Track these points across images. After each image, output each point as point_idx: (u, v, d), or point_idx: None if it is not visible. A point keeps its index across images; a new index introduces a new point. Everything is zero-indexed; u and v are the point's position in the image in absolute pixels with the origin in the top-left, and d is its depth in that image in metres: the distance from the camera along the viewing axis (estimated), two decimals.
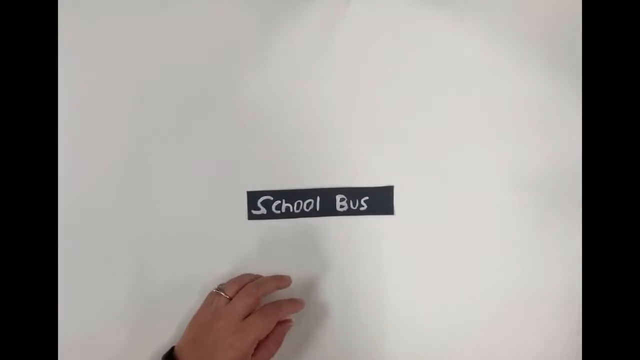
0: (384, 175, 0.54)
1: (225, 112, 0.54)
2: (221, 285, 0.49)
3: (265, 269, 0.51)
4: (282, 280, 0.50)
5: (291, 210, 0.53)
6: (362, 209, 0.53)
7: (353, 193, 0.53)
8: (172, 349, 0.45)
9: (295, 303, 0.49)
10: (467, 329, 0.53)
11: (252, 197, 0.53)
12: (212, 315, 0.45)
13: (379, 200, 0.53)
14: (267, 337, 0.46)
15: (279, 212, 0.53)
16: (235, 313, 0.45)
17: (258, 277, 0.50)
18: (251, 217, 0.53)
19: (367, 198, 0.53)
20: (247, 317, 0.45)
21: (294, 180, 0.53)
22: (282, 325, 0.49)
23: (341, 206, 0.53)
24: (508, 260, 0.53)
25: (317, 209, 0.53)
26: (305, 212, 0.53)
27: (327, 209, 0.53)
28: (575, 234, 0.51)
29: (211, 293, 0.48)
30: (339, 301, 0.53)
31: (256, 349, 0.45)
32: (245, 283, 0.48)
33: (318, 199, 0.53)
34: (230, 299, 0.46)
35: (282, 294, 0.51)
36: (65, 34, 0.50)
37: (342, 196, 0.53)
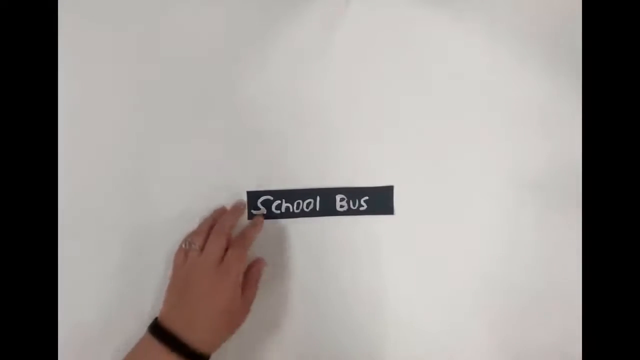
0: (384, 175, 0.54)
1: (225, 112, 0.54)
2: (187, 239, 0.47)
3: (265, 269, 0.51)
4: (237, 210, 0.51)
5: (291, 210, 0.53)
6: (362, 208, 0.53)
7: (353, 193, 0.53)
8: (156, 319, 0.44)
9: (255, 222, 0.50)
10: (467, 329, 0.53)
11: (252, 197, 0.53)
12: (188, 271, 0.45)
13: (379, 200, 0.53)
14: (245, 278, 0.46)
15: (278, 212, 0.53)
16: (210, 258, 0.44)
17: (215, 219, 0.49)
18: (251, 217, 0.53)
19: (367, 198, 0.53)
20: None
21: (293, 180, 0.53)
22: (256, 264, 0.49)
23: (341, 206, 0.53)
24: (508, 260, 0.53)
25: (317, 209, 0.53)
26: (305, 212, 0.53)
27: (327, 209, 0.53)
28: (575, 234, 0.51)
29: (180, 250, 0.47)
30: (338, 301, 0.53)
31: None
32: (208, 229, 0.47)
33: (318, 198, 0.53)
34: (202, 249, 0.46)
35: (281, 292, 0.51)
36: (65, 34, 0.49)
37: (342, 196, 0.53)
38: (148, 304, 0.51)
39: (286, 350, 0.50)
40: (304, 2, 0.54)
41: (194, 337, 0.42)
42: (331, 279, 0.53)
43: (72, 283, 0.50)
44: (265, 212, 0.53)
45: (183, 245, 0.47)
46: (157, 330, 0.43)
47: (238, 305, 0.45)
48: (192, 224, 0.51)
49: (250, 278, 0.48)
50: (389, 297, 0.53)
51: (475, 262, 0.53)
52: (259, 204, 0.53)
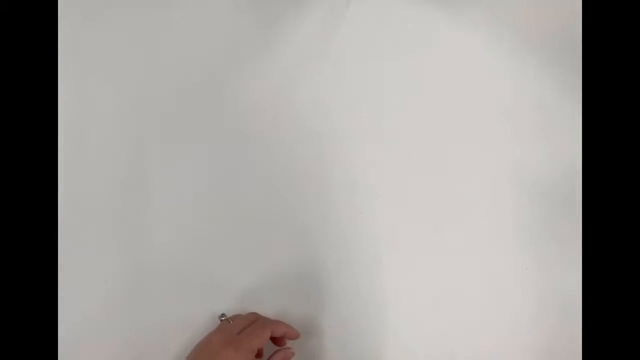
0: (383, 175, 0.54)
1: (225, 112, 0.54)
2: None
3: (266, 268, 0.51)
4: (291, 330, 0.49)
5: None
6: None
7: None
8: None
9: (291, 328, 0.48)
10: (467, 329, 0.53)
11: None
12: (212, 333, 0.46)
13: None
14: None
15: None
16: (232, 328, 0.45)
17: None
18: None
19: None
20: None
21: (293, 180, 0.53)
22: (283, 351, 0.48)
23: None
24: (508, 260, 0.53)
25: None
26: None
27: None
28: (575, 234, 0.51)
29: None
30: (337, 302, 0.53)
31: None
32: (254, 319, 0.48)
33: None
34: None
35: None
36: (65, 34, 0.50)
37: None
38: (148, 304, 0.51)
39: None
40: (304, 2, 0.54)
41: None
42: (329, 279, 0.53)
43: (72, 283, 0.50)
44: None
45: (219, 318, 0.48)
46: None
47: None
48: (193, 223, 0.51)
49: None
50: (389, 297, 0.52)
51: (475, 262, 0.53)
52: None
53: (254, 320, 0.47)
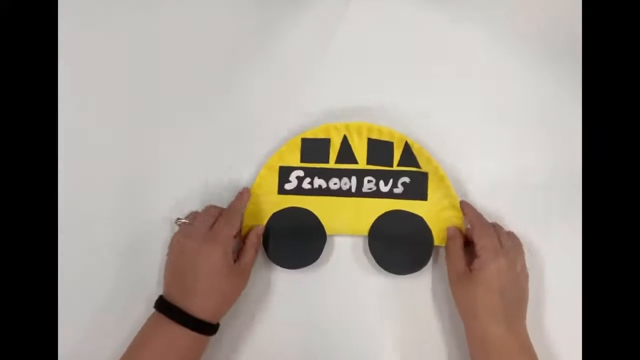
0: None
1: (225, 111, 0.54)
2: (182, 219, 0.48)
3: (267, 266, 0.51)
4: (241, 197, 0.49)
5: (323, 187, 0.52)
6: (396, 190, 0.52)
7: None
8: (160, 296, 0.45)
9: (241, 193, 0.49)
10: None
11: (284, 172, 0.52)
12: (178, 242, 0.46)
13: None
14: (244, 242, 0.48)
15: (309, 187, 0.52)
16: (199, 227, 0.46)
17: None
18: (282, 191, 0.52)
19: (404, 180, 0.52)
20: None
21: None
22: (254, 229, 0.49)
23: (369, 188, 0.52)
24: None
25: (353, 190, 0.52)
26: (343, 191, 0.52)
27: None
28: (576, 234, 0.51)
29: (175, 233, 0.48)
30: (337, 302, 0.53)
31: (238, 255, 0.47)
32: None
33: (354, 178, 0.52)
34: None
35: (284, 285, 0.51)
36: (65, 34, 0.50)
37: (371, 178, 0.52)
38: (148, 302, 0.51)
39: (286, 343, 0.50)
40: (304, 2, 0.54)
41: (194, 307, 0.43)
42: (330, 276, 0.53)
43: (72, 283, 0.50)
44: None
45: (175, 222, 0.48)
46: (162, 305, 0.44)
47: (232, 269, 0.45)
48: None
49: (247, 243, 0.48)
50: (389, 293, 0.52)
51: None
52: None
53: (218, 214, 0.47)
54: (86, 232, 0.52)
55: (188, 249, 0.45)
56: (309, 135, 0.52)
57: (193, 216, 0.48)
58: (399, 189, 0.52)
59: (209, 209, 0.48)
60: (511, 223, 0.51)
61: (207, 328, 0.44)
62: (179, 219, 0.48)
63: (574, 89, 0.51)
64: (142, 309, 0.47)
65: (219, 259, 0.44)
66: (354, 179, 0.52)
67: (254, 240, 0.49)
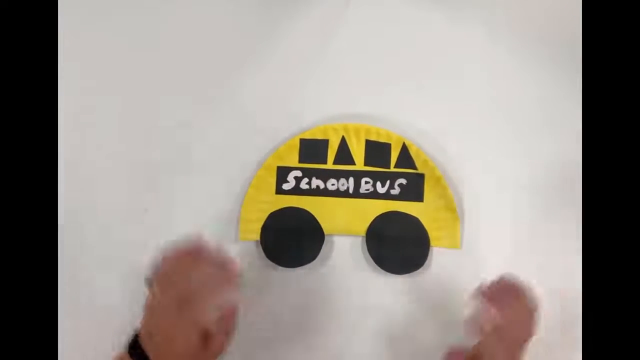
0: None
1: (225, 111, 0.54)
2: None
3: (265, 265, 0.51)
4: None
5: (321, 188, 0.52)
6: (393, 192, 0.53)
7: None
8: (135, 336, 0.40)
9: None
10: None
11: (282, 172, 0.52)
12: (152, 310, 0.41)
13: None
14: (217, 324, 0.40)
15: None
16: (172, 301, 0.39)
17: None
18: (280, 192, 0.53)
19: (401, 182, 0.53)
20: None
21: None
22: (227, 309, 0.40)
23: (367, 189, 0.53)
24: (507, 259, 0.53)
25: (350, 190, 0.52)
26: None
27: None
28: (575, 234, 0.51)
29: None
30: (334, 300, 0.53)
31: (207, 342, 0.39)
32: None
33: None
34: None
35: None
36: (65, 34, 0.49)
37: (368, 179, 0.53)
38: None
39: (285, 341, 0.50)
40: (304, 2, 0.54)
41: None
42: (329, 276, 0.53)
43: (72, 283, 0.50)
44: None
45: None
46: (136, 349, 0.40)
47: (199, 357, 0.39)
48: (193, 221, 0.51)
49: (217, 326, 0.40)
50: (389, 292, 0.52)
51: (475, 261, 0.53)
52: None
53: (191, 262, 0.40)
54: (86, 232, 0.52)
55: (162, 324, 0.40)
56: (308, 136, 0.52)
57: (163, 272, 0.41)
58: (395, 190, 0.52)
59: (180, 256, 0.41)
60: (511, 221, 0.51)
61: None
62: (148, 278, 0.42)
63: (574, 89, 0.51)
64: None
65: (190, 345, 0.39)
66: (351, 180, 0.52)
67: (228, 322, 0.41)
